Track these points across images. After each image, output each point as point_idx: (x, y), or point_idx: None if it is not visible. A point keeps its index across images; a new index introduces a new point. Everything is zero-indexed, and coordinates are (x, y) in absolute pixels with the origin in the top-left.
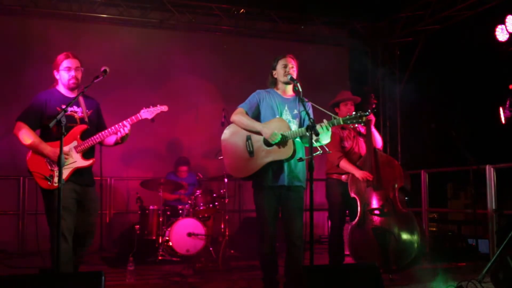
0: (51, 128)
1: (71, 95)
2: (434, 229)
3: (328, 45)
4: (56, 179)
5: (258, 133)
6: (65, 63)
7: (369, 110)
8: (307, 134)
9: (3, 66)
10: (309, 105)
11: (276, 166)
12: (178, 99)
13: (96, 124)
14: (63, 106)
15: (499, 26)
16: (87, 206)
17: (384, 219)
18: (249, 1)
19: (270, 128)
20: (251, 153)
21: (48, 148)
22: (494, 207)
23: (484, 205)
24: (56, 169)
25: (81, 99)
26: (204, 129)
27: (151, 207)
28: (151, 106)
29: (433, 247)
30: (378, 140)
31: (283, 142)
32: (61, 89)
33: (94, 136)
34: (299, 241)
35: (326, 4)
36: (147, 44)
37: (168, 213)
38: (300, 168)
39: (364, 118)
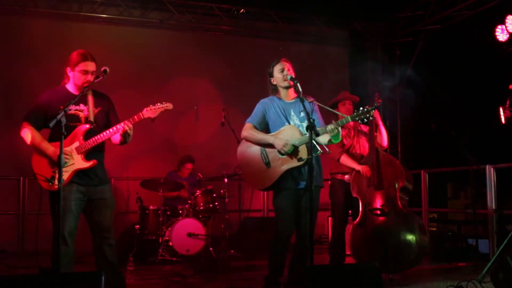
0: (53, 128)
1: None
2: (434, 229)
3: (328, 45)
4: (57, 181)
5: (271, 145)
6: (82, 66)
7: (376, 104)
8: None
9: (3, 66)
10: (314, 104)
11: (295, 171)
12: (178, 99)
13: (104, 122)
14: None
15: (499, 26)
16: (96, 205)
17: (385, 219)
18: (249, 1)
19: (282, 140)
20: (267, 164)
21: (51, 149)
22: (494, 207)
23: (484, 205)
24: (57, 170)
25: (90, 97)
26: (204, 129)
27: (151, 207)
28: (156, 104)
29: (433, 247)
30: (384, 137)
31: (295, 150)
32: (71, 87)
33: (96, 137)
34: (305, 239)
35: (326, 4)
36: (147, 44)
37: (168, 213)
38: (317, 169)
39: (372, 113)
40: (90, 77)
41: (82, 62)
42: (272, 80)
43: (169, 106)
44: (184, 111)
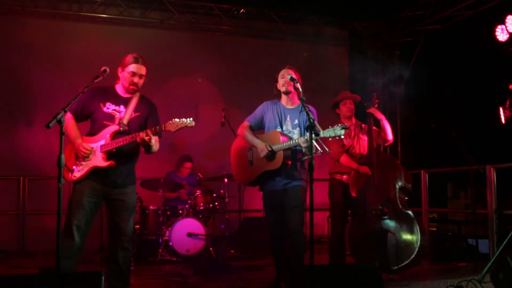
0: (91, 123)
1: (125, 95)
2: (434, 229)
3: (328, 45)
4: (76, 173)
5: None
6: (132, 68)
7: (346, 125)
8: (296, 145)
9: (3, 66)
10: (312, 110)
11: (273, 173)
12: (178, 99)
13: (138, 127)
14: (107, 103)
15: (499, 26)
16: (115, 205)
17: (385, 219)
18: (249, 1)
19: (262, 145)
20: (250, 162)
21: (78, 142)
22: (494, 207)
23: (484, 205)
24: (78, 162)
25: (134, 100)
26: (204, 129)
27: (151, 207)
28: (180, 118)
29: (433, 247)
30: (388, 132)
31: (273, 155)
32: (119, 88)
33: (118, 139)
34: (294, 235)
35: (326, 4)
36: (147, 44)
37: (168, 213)
38: (294, 169)
39: (343, 131)
40: (138, 80)
41: (133, 64)
42: (277, 86)
43: (191, 123)
44: (184, 111)
